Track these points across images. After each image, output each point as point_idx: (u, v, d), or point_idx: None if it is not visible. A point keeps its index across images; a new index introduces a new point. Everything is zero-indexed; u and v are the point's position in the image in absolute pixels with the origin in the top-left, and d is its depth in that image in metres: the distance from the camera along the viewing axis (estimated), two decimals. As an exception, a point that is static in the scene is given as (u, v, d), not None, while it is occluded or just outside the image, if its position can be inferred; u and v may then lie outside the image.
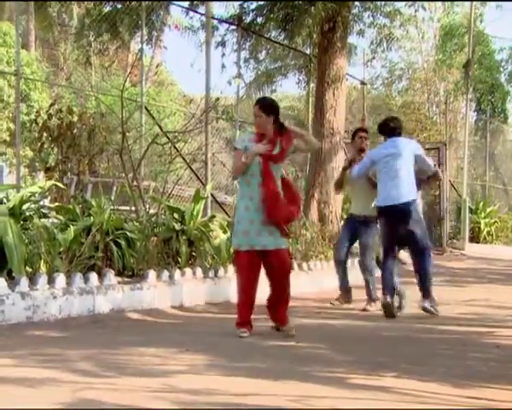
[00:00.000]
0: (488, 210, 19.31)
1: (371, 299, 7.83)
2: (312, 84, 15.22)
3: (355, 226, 7.93)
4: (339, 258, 8.02)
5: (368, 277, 7.87)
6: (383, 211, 7.31)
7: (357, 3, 14.31)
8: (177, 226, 8.42)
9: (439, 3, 25.78)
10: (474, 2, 20.61)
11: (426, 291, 7.20)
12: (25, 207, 7.27)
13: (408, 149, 7.32)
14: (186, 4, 13.82)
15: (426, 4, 18.06)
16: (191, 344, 5.22)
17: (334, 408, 3.45)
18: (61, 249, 6.94)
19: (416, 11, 17.24)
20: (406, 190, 7.14)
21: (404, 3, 16.24)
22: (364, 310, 7.73)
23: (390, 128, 7.46)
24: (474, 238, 18.60)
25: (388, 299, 7.07)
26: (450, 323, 6.72)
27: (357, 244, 8.16)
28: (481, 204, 19.47)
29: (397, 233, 7.24)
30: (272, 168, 5.81)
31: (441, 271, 13.00)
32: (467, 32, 21.41)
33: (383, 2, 15.18)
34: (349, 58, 16.66)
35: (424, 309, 7.12)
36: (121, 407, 3.35)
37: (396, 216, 7.16)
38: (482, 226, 18.89)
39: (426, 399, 3.61)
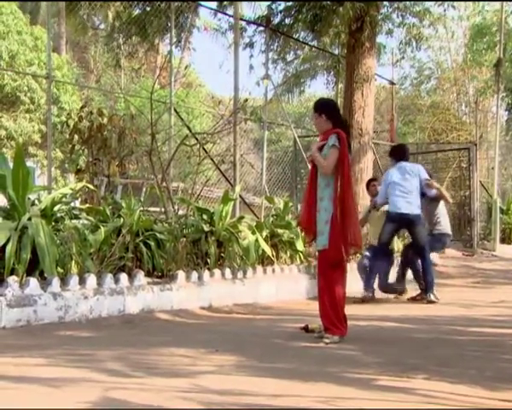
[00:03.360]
0: (520, 211, 19.10)
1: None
2: (341, 85, 15.19)
3: None
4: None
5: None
6: None
7: (385, 3, 14.23)
8: (206, 227, 8.46)
9: (470, 2, 25.48)
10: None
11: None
12: (56, 208, 7.36)
13: None
14: (214, 6, 13.90)
15: (455, 3, 17.88)
16: (220, 345, 5.23)
17: (360, 409, 3.44)
18: (92, 250, 7.03)
19: (445, 10, 17.07)
20: None
21: (433, 3, 16.10)
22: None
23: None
24: (506, 239, 18.40)
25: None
26: (481, 324, 6.65)
27: None
28: (512, 205, 19.25)
29: None
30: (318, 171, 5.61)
31: (472, 272, 12.89)
32: (498, 31, 21.13)
33: (412, 2, 15.06)
34: (378, 58, 16.56)
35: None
36: (150, 408, 3.37)
37: None
38: (514, 227, 18.69)
39: (454, 401, 3.58)
